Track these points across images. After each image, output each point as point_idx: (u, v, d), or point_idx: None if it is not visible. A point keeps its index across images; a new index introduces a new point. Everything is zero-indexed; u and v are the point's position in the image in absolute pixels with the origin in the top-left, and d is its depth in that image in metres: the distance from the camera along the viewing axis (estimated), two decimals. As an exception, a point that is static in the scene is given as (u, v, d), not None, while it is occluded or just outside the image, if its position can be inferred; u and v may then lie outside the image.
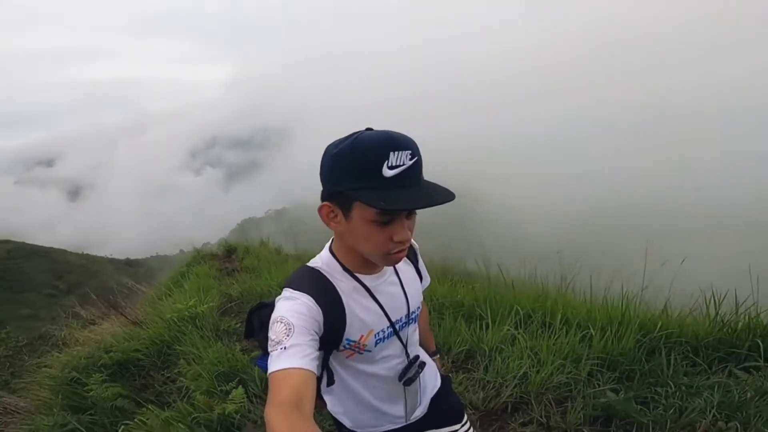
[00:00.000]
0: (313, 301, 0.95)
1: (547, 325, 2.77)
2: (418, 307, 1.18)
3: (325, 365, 1.08)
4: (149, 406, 2.47)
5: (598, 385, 2.26)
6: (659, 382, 2.25)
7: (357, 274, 1.05)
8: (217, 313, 3.97)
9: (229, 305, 4.26)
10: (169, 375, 3.13)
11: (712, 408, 2.00)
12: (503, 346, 2.59)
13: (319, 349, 0.95)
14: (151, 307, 4.52)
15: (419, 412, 1.25)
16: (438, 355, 1.51)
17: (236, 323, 3.72)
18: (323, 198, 0.96)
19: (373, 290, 1.06)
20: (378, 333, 1.06)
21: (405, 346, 1.15)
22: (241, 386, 2.45)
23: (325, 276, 1.03)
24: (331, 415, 1.19)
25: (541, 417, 2.13)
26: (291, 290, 0.98)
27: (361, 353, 1.06)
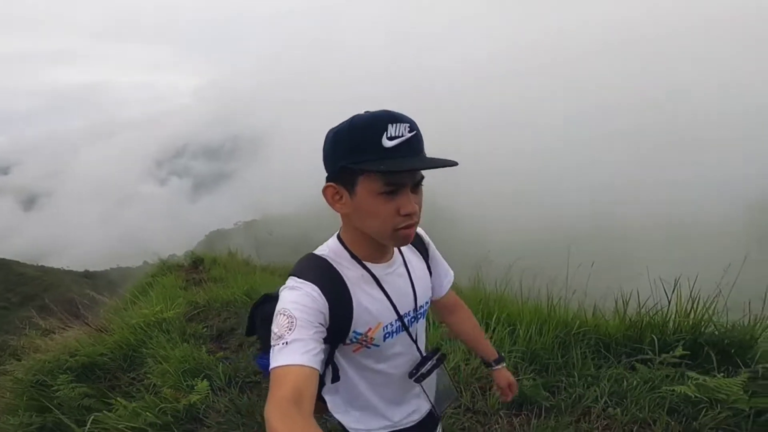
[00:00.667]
0: (318, 291, 0.93)
1: (484, 323, 3.09)
2: (427, 303, 1.16)
3: (329, 360, 1.05)
4: (117, 399, 2.61)
5: (519, 375, 2.60)
6: (570, 373, 2.60)
7: (365, 263, 1.02)
8: (184, 318, 4.10)
9: (195, 312, 4.38)
10: (135, 376, 3.23)
11: (605, 395, 2.35)
12: (442, 343, 2.91)
13: (325, 341, 0.92)
14: (116, 315, 4.58)
15: (423, 413, 1.22)
16: (503, 364, 1.40)
17: (202, 327, 3.87)
18: (327, 180, 0.95)
19: (380, 280, 1.03)
20: (386, 326, 1.04)
21: (415, 342, 1.12)
22: (205, 380, 2.67)
23: (331, 264, 1.00)
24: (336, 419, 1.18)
25: (468, 402, 2.46)
26: (296, 279, 0.95)
27: (369, 347, 1.03)
